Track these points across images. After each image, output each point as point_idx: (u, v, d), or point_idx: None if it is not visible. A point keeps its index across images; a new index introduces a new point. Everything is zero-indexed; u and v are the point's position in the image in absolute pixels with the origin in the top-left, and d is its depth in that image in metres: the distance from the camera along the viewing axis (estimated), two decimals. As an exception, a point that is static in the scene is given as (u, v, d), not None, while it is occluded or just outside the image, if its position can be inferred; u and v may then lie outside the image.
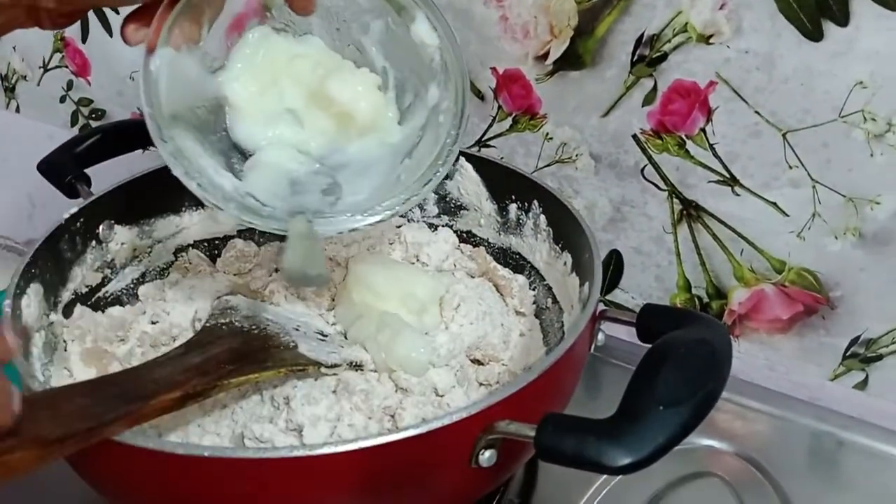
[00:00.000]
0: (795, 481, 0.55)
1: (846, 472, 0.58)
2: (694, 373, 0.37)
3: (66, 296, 0.54)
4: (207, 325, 0.51)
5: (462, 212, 0.65)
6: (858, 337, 0.61)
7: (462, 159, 0.62)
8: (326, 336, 0.54)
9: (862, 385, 0.62)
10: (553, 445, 0.35)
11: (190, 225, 0.63)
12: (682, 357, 0.38)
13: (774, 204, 0.59)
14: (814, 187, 0.57)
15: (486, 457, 0.38)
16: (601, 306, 0.47)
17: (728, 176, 0.60)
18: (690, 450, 0.57)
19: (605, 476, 0.54)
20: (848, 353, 0.62)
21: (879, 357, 0.61)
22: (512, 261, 0.62)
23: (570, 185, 0.67)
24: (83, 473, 0.42)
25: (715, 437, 0.58)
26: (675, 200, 0.63)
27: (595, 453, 0.34)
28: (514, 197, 0.61)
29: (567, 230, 0.55)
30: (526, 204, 0.60)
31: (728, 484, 0.55)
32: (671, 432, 0.34)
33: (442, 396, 0.50)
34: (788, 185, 0.58)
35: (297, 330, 0.53)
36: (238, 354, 0.47)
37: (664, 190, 0.63)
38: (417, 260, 0.64)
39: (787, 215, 0.59)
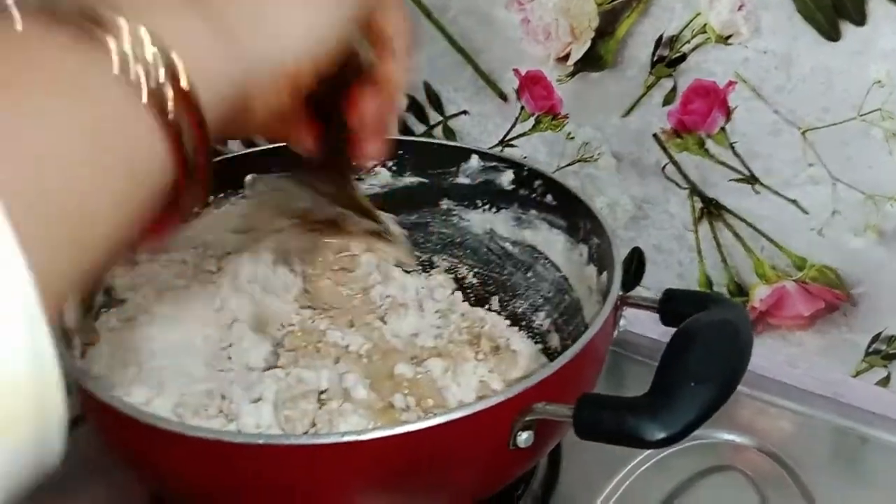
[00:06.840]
0: (818, 477, 0.55)
1: (869, 468, 0.58)
2: (721, 351, 0.39)
3: (99, 299, 0.54)
4: None
5: None
6: (880, 334, 0.61)
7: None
8: None
9: (884, 382, 0.62)
10: (592, 423, 0.37)
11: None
12: (709, 337, 0.40)
13: (794, 201, 0.60)
14: (833, 185, 0.57)
15: (524, 438, 0.39)
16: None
17: (748, 174, 0.60)
18: (712, 444, 0.58)
19: (628, 468, 0.55)
20: (870, 350, 0.62)
21: (901, 353, 0.61)
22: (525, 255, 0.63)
23: (593, 184, 0.68)
24: (133, 464, 0.44)
25: (736, 431, 0.59)
26: (696, 198, 0.64)
27: (633, 428, 0.36)
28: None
29: (582, 222, 0.56)
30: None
31: (749, 478, 0.56)
32: (703, 407, 0.36)
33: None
34: (808, 183, 0.58)
35: None
36: None
37: (685, 188, 0.64)
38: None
39: (807, 213, 0.59)
